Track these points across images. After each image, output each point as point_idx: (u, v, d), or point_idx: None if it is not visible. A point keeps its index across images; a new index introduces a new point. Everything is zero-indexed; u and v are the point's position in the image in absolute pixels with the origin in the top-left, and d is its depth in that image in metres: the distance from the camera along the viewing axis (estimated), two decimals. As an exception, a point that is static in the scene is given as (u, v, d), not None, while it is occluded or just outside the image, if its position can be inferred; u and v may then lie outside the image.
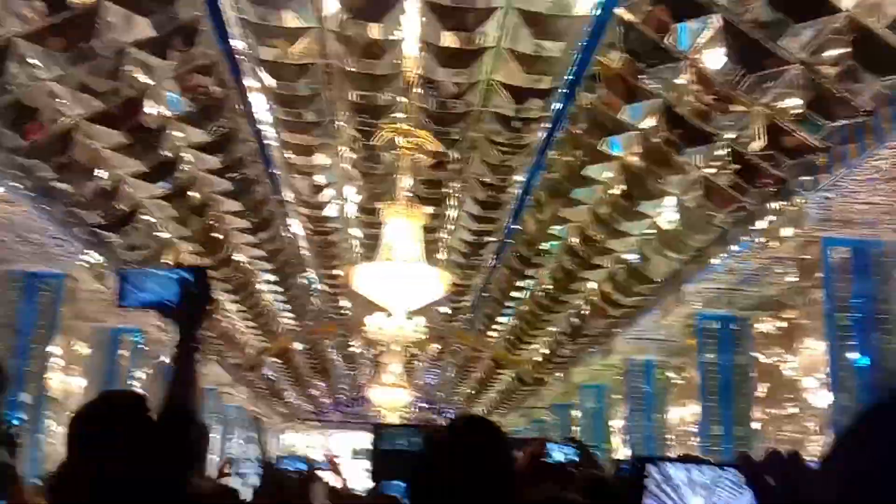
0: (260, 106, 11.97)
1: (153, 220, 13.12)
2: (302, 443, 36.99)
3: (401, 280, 12.41)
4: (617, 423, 16.93)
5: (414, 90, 10.92)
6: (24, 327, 12.20)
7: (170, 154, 11.72)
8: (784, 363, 12.86)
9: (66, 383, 13.95)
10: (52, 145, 10.32)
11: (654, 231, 12.07)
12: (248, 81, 11.32)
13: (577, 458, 4.41)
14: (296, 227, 15.71)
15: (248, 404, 25.86)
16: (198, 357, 2.06)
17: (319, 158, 13.18)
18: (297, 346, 22.59)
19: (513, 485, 1.76)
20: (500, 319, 19.07)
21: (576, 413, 19.50)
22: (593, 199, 12.28)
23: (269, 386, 24.61)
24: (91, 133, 10.57)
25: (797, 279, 10.80)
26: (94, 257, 12.67)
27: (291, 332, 21.36)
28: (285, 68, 10.93)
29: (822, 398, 10.92)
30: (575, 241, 13.46)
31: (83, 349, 14.94)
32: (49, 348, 12.37)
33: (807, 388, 12.81)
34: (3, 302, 12.24)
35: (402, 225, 12.50)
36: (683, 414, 15.70)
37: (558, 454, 4.43)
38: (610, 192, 11.78)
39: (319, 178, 13.83)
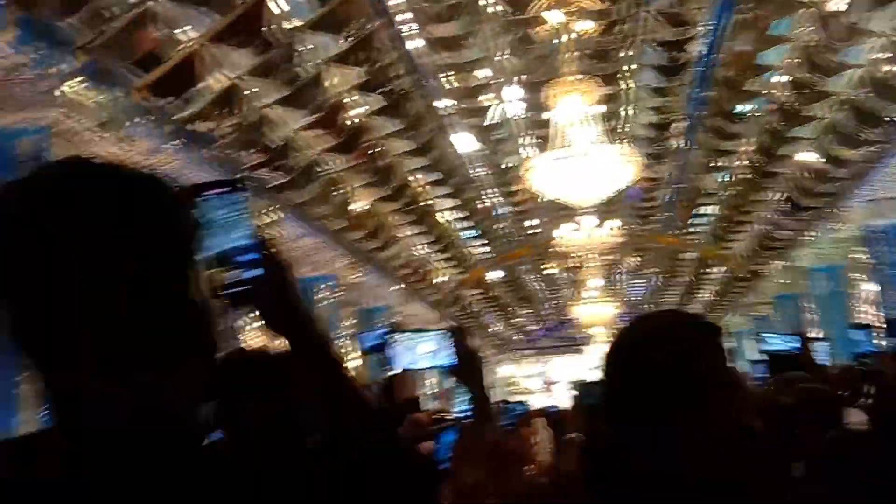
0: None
1: (308, 153, 11.61)
2: (518, 373, 35.66)
3: (581, 167, 10.16)
4: (866, 309, 13.79)
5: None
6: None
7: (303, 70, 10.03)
8: None
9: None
10: (177, 77, 8.91)
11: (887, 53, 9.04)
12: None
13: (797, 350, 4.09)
14: (462, 140, 13.70)
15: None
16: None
17: (470, 51, 11.09)
18: (493, 274, 20.83)
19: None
20: (700, 210, 16.30)
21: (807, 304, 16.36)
22: (799, 30, 9.41)
23: (474, 319, 23.11)
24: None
25: None
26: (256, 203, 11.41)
27: (484, 261, 19.61)
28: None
29: None
30: (780, 92, 10.59)
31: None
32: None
33: None
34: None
35: (574, 105, 10.22)
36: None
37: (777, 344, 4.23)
38: (824, 9, 8.87)
39: (477, 75, 11.72)
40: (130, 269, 0.82)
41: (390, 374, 3.10)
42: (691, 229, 17.30)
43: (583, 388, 3.23)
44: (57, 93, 7.07)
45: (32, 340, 0.81)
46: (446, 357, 2.03)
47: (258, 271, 0.98)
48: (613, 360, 1.39)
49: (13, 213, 0.82)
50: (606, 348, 1.46)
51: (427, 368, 2.16)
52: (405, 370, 2.56)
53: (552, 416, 5.04)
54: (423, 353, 2.13)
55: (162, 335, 0.84)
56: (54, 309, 0.79)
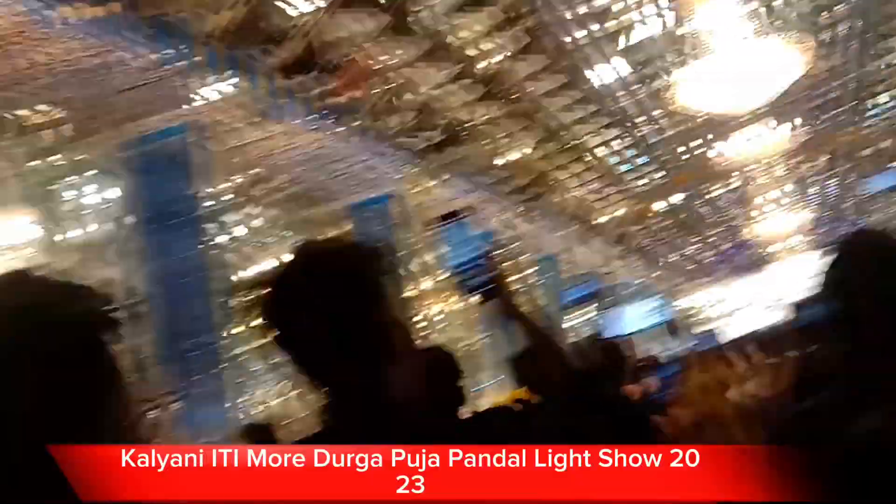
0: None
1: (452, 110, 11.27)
2: (703, 302, 34.01)
3: (733, 70, 9.17)
4: None
5: None
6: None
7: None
8: None
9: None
10: (307, 53, 8.79)
11: None
12: None
13: None
14: (603, 69, 12.84)
15: (638, 275, 23.59)
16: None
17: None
18: (657, 205, 19.72)
19: None
20: (877, 99, 14.52)
21: None
22: None
23: (645, 255, 22.10)
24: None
25: None
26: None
27: (646, 193, 18.59)
28: None
29: None
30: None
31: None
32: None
33: None
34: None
35: (715, 5, 9.24)
36: None
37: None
38: None
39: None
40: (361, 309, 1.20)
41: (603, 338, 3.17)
42: (868, 122, 15.49)
43: (798, 305, 3.06)
44: (193, 88, 7.09)
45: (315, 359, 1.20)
46: (660, 314, 2.42)
47: (488, 276, 1.42)
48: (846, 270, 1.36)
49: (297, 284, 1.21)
50: (825, 262, 1.39)
51: (646, 329, 2.44)
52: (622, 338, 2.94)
53: (759, 340, 4.70)
54: (635, 316, 2.62)
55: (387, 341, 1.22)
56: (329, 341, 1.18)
